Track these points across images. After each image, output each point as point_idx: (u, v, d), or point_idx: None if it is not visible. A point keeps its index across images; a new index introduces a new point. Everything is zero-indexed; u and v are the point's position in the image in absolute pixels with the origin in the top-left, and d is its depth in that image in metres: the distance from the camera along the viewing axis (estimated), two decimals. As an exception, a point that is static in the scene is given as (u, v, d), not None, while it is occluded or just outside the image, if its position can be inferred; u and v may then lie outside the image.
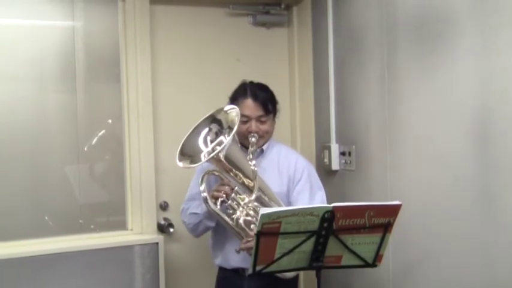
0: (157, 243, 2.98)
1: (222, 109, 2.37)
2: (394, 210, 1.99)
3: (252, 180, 2.32)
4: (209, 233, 2.63)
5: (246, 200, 2.31)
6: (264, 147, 2.55)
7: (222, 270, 2.61)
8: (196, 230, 2.53)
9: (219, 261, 2.57)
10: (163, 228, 3.12)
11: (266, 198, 2.36)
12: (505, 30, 2.02)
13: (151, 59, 3.10)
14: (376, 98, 2.71)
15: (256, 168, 2.31)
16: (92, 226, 3.08)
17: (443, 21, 2.29)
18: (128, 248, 2.94)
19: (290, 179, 2.52)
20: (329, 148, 3.05)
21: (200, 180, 2.31)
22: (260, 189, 2.33)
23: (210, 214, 2.38)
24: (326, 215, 1.92)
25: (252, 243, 2.21)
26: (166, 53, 3.18)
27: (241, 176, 2.33)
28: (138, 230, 3.08)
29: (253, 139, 2.38)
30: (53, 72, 2.99)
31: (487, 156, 2.11)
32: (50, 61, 2.99)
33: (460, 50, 2.22)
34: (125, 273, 2.93)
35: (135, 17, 3.05)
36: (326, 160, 3.07)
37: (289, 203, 2.49)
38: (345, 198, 2.90)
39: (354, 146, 2.91)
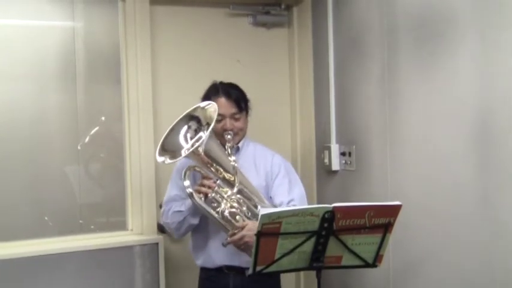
0: (157, 244, 2.98)
1: (198, 106, 2.41)
2: (394, 210, 1.99)
3: (232, 175, 2.35)
4: (189, 237, 2.63)
5: (229, 192, 2.35)
6: (240, 144, 2.58)
7: (204, 270, 2.60)
8: (179, 229, 2.52)
9: (201, 261, 2.56)
10: (163, 228, 3.11)
11: (247, 191, 2.39)
12: (506, 31, 2.02)
13: (152, 59, 3.10)
14: (376, 99, 2.71)
15: (236, 164, 2.35)
16: (92, 226, 3.08)
17: (444, 21, 2.29)
18: (128, 248, 2.94)
19: (268, 174, 2.55)
20: (329, 148, 3.05)
21: (183, 175, 2.33)
22: (241, 183, 2.37)
23: (195, 210, 2.40)
24: (326, 215, 1.92)
25: (238, 236, 2.24)
26: (166, 53, 3.18)
27: (221, 170, 2.36)
28: (138, 231, 3.08)
29: (229, 136, 2.41)
30: (53, 72, 3.00)
31: (487, 156, 2.11)
32: (50, 61, 2.99)
33: (461, 50, 2.21)
34: (124, 273, 2.93)
35: (135, 17, 3.05)
36: (326, 160, 3.07)
37: (269, 198, 2.51)
38: (345, 199, 2.90)
39: (354, 147, 2.91)
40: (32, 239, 2.88)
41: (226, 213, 2.31)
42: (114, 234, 3.06)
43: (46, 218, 2.99)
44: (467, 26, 2.18)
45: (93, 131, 3.10)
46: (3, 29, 2.91)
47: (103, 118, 3.13)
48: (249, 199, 2.38)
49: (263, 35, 3.41)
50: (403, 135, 2.55)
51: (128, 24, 3.06)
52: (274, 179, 2.54)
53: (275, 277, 2.58)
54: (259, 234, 1.90)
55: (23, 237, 2.86)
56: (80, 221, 3.06)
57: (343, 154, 3.00)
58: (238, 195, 2.35)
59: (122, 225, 3.10)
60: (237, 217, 2.32)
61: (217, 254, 2.47)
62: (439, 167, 2.34)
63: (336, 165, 3.03)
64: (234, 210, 2.32)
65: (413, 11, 2.46)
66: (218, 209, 2.32)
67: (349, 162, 2.95)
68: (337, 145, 3.04)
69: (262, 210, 1.91)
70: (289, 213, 1.91)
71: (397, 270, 2.61)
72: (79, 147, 3.05)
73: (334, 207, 1.92)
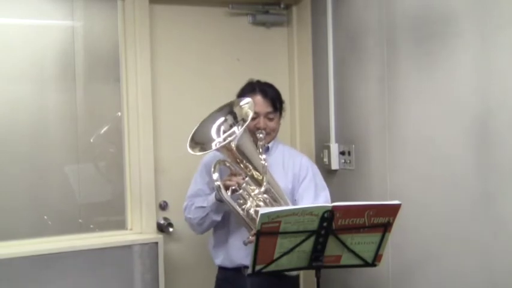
0: (156, 243, 2.98)
1: (238, 102, 2.40)
2: (393, 209, 2.00)
3: (261, 174, 2.34)
4: (209, 235, 2.63)
5: (256, 191, 2.32)
6: (270, 144, 2.57)
7: (222, 270, 2.60)
8: (202, 225, 2.51)
9: (220, 260, 2.56)
10: (162, 227, 3.12)
11: (274, 192, 2.37)
12: (505, 30, 2.02)
13: (151, 58, 3.10)
14: (375, 98, 2.71)
15: (266, 163, 2.33)
16: (92, 226, 3.08)
17: (443, 21, 2.29)
18: (127, 248, 2.94)
19: (295, 177, 2.54)
20: (328, 148, 3.05)
21: (213, 167, 2.30)
22: (269, 183, 2.35)
23: (218, 206, 2.39)
24: (325, 215, 1.92)
25: None
26: (166, 53, 3.18)
27: (251, 168, 2.34)
28: (138, 230, 3.08)
29: (261, 135, 2.39)
30: (53, 72, 2.99)
31: (487, 155, 2.11)
32: (49, 61, 2.99)
33: (460, 50, 2.22)
34: (124, 272, 2.93)
35: (134, 16, 3.05)
36: (326, 160, 3.07)
37: (294, 201, 2.50)
38: (344, 198, 2.90)
39: (353, 146, 2.91)
40: (32, 239, 2.88)
41: (252, 211, 2.28)
42: (113, 233, 3.06)
43: (45, 217, 2.98)
44: (467, 26, 2.18)
45: (93, 131, 3.09)
46: (2, 28, 2.91)
47: (101, 117, 3.12)
48: (275, 200, 2.35)
49: (262, 34, 3.41)
50: (403, 134, 2.55)
51: (127, 23, 3.06)
52: (301, 182, 2.53)
53: (293, 279, 2.56)
54: (259, 234, 1.91)
55: (23, 237, 2.86)
56: (80, 221, 3.06)
57: (342, 153, 3.00)
58: (265, 195, 2.33)
59: (121, 225, 3.10)
60: None
61: (238, 252, 2.46)
62: (438, 167, 2.34)
63: (335, 165, 3.03)
64: (259, 209, 2.31)
65: (413, 11, 2.46)
66: (244, 206, 2.29)
67: (348, 161, 2.96)
68: (337, 144, 3.04)
69: (261, 210, 1.91)
70: (288, 213, 1.91)
71: (397, 269, 2.61)
72: (79, 146, 3.04)
73: (334, 206, 1.92)
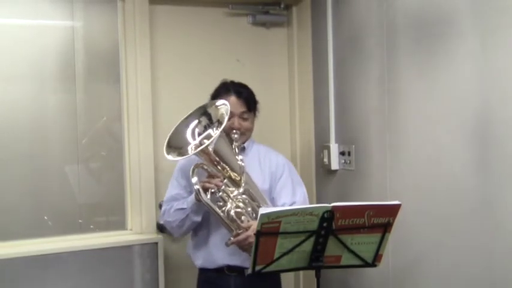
0: (156, 243, 2.98)
1: (213, 103, 2.41)
2: (393, 210, 2.00)
3: (239, 174, 2.36)
4: (188, 238, 2.63)
5: (235, 192, 2.34)
6: (245, 144, 2.59)
7: (203, 271, 2.58)
8: (182, 227, 2.50)
9: (201, 262, 2.54)
10: (162, 228, 3.11)
11: (252, 192, 2.39)
12: (505, 31, 2.02)
13: (151, 58, 3.10)
14: (375, 98, 2.71)
15: (243, 164, 2.35)
16: (91, 226, 3.08)
17: (443, 21, 2.29)
18: (127, 248, 2.94)
19: (272, 175, 2.56)
20: (328, 148, 3.05)
21: (191, 172, 2.32)
22: (247, 183, 2.37)
23: (198, 207, 2.39)
24: (325, 215, 1.92)
25: (243, 236, 2.24)
26: (166, 53, 3.18)
27: (228, 169, 2.36)
28: (138, 230, 3.08)
29: (235, 135, 2.41)
30: (53, 72, 2.99)
31: (487, 156, 2.11)
32: (49, 61, 2.99)
33: (460, 50, 2.21)
34: (124, 273, 2.93)
35: (134, 16, 3.05)
36: (325, 160, 3.07)
37: (271, 199, 2.52)
38: (344, 198, 2.90)
39: (353, 146, 2.91)
40: (31, 239, 2.88)
41: (232, 213, 2.30)
42: (113, 233, 3.06)
43: (45, 217, 2.98)
44: (467, 26, 2.18)
45: (93, 131, 3.09)
46: (2, 28, 2.91)
47: (104, 118, 3.12)
48: (254, 200, 2.38)
49: (262, 35, 3.41)
50: (403, 134, 2.55)
51: (127, 23, 3.06)
52: (278, 180, 2.55)
53: (275, 277, 2.58)
54: (259, 234, 1.91)
55: (22, 237, 2.87)
56: (80, 221, 3.06)
57: (342, 153, 3.00)
58: (244, 196, 2.35)
59: (121, 225, 3.11)
60: (243, 217, 2.31)
61: (219, 252, 2.46)
62: (438, 167, 2.34)
63: (335, 165, 3.03)
64: (239, 210, 2.31)
65: (413, 11, 2.46)
66: (224, 208, 2.31)
67: (348, 161, 2.96)
68: (337, 144, 3.04)
69: (261, 210, 1.91)
70: (288, 213, 1.91)
71: (397, 269, 2.61)
72: (79, 146, 3.04)
73: (334, 206, 1.92)
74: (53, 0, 2.99)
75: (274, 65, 3.42)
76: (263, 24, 3.40)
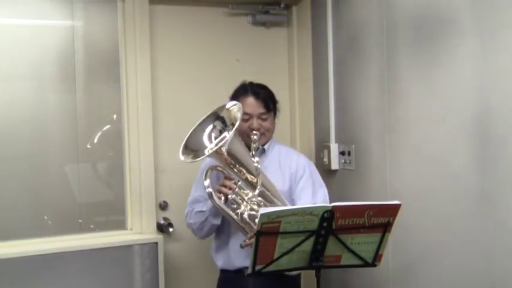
0: (156, 243, 2.98)
1: (224, 106, 2.40)
2: (393, 209, 2.00)
3: (255, 176, 2.34)
4: (211, 240, 2.64)
5: (250, 194, 2.32)
6: (266, 146, 2.57)
7: (224, 272, 2.61)
8: (202, 229, 2.52)
9: (221, 263, 2.57)
10: (162, 227, 3.12)
11: (269, 194, 2.37)
12: (505, 31, 2.02)
13: (151, 58, 3.10)
14: (375, 98, 2.71)
15: (259, 165, 2.33)
16: (92, 226, 3.08)
17: (443, 21, 2.29)
18: (127, 248, 2.94)
19: (292, 176, 2.54)
20: (328, 148, 3.05)
21: (204, 174, 2.31)
22: (263, 185, 2.35)
23: (216, 210, 2.39)
24: (325, 215, 1.92)
25: None
26: (166, 53, 3.18)
27: (244, 171, 2.34)
28: (138, 230, 3.08)
29: (255, 137, 2.38)
30: (53, 72, 2.99)
31: (487, 155, 2.11)
32: (49, 61, 2.98)
33: (460, 50, 2.22)
34: (124, 273, 2.93)
35: (134, 16, 3.05)
36: (325, 160, 3.07)
37: (291, 201, 2.50)
38: (344, 198, 2.90)
39: (353, 146, 2.91)
40: (32, 239, 2.87)
41: (246, 215, 2.29)
42: (113, 233, 3.06)
43: (45, 217, 2.98)
44: (467, 26, 2.19)
45: (93, 131, 3.09)
46: (2, 28, 2.91)
47: (112, 118, 3.12)
48: (271, 202, 2.35)
49: (262, 34, 3.41)
50: (403, 134, 2.55)
51: (127, 23, 3.06)
52: (298, 182, 2.53)
53: (294, 279, 2.57)
54: (259, 234, 1.91)
55: (22, 237, 2.86)
56: (80, 221, 3.06)
57: (342, 153, 3.00)
58: (260, 198, 2.33)
59: (121, 225, 3.10)
60: (256, 220, 2.29)
61: (238, 255, 2.47)
62: (438, 167, 2.34)
63: (335, 165, 3.03)
64: (253, 212, 2.29)
65: (413, 11, 2.46)
66: (238, 211, 2.30)
67: (348, 161, 2.96)
68: (337, 144, 3.04)
69: (261, 210, 1.91)
70: (288, 213, 1.91)
71: (397, 269, 2.61)
72: (79, 146, 3.05)
73: (334, 206, 1.92)
74: (53, 0, 2.99)
75: (274, 65, 3.42)
76: (263, 24, 3.40)
